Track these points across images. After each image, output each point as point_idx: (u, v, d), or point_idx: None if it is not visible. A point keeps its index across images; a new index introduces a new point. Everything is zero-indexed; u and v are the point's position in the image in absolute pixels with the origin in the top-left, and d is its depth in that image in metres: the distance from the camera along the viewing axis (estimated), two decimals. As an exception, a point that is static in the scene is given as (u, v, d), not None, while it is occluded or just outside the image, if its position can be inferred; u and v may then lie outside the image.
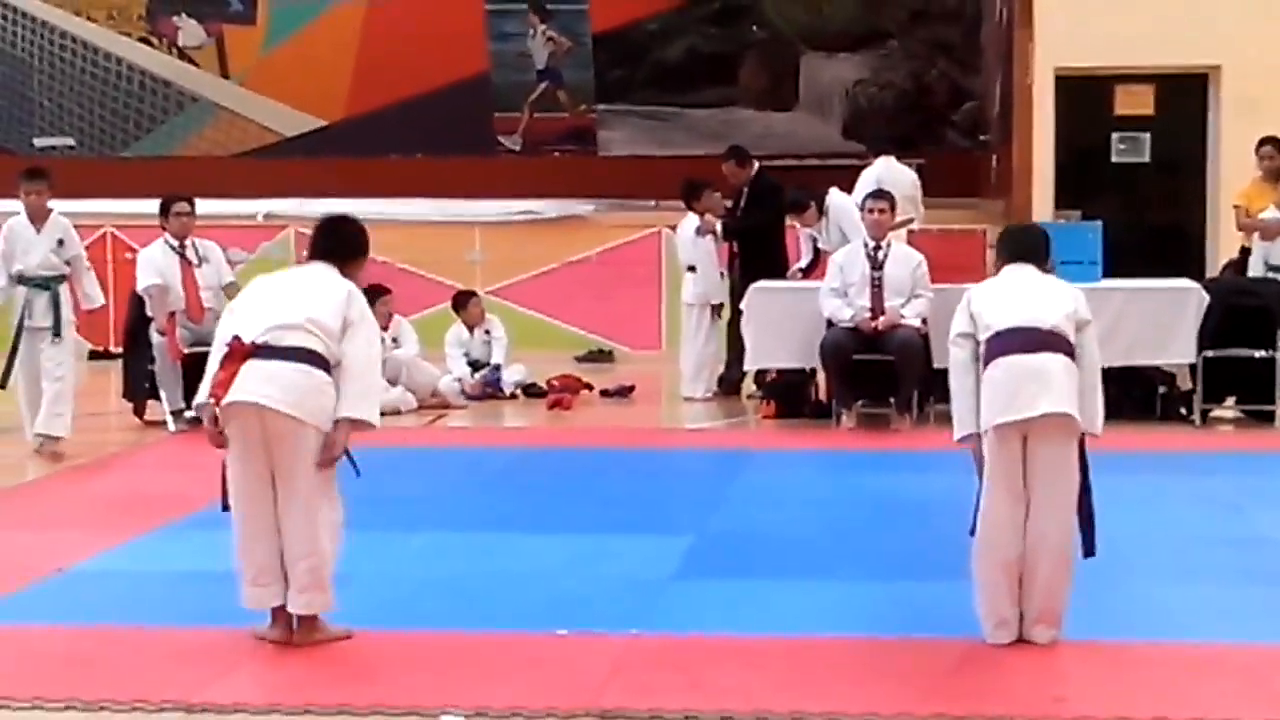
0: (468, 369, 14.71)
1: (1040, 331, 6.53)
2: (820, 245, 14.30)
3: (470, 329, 15.00)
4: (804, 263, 14.54)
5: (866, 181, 14.21)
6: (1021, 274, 6.82)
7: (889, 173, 14.69)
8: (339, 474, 6.58)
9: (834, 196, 14.34)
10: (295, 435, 6.41)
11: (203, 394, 6.57)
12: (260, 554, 6.53)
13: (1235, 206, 14.58)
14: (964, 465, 6.75)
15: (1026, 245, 7.02)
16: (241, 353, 6.45)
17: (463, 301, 15.27)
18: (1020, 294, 6.69)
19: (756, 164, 14.83)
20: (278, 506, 6.50)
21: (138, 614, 7.10)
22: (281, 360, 6.42)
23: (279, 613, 6.62)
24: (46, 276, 11.69)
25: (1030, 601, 6.55)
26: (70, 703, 5.86)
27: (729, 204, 14.83)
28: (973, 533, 6.62)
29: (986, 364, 6.57)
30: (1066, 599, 6.56)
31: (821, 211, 14.25)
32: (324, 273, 6.71)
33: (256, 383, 6.39)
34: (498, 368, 14.78)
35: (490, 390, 14.61)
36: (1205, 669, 6.28)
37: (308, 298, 6.56)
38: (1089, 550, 6.60)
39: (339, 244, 6.81)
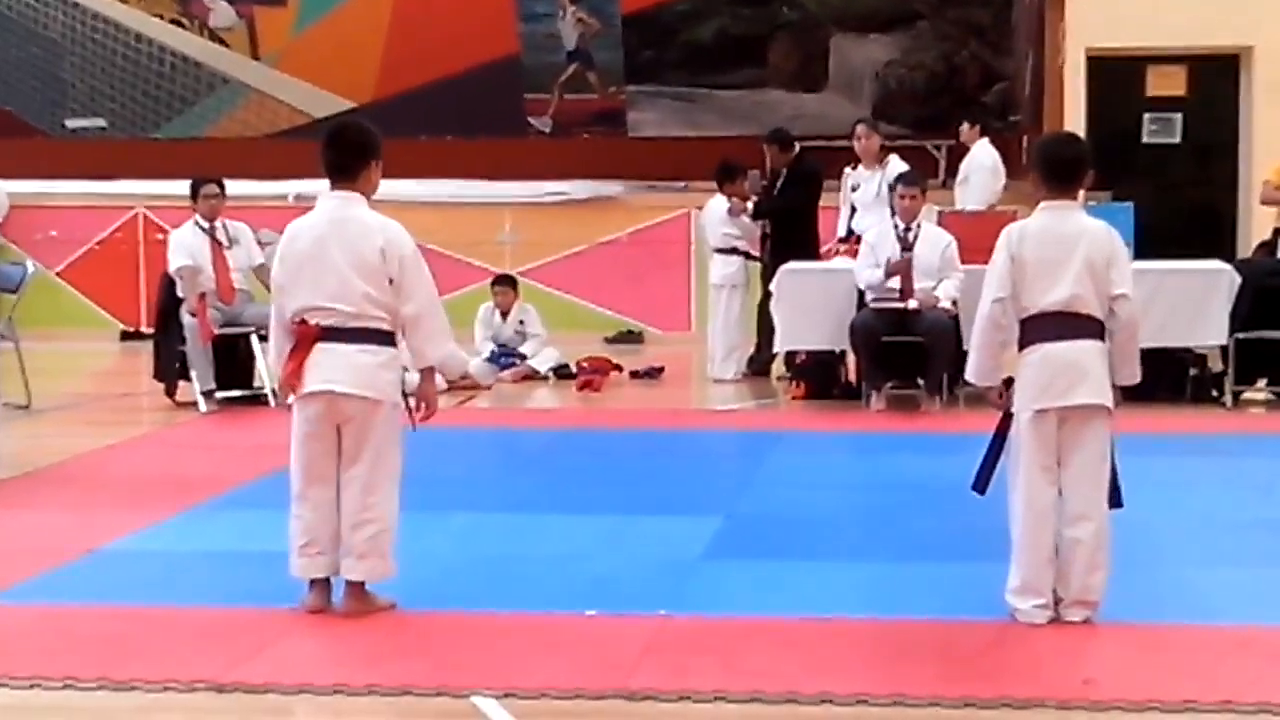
0: (492, 348, 14.68)
1: (1078, 317, 6.53)
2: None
3: (503, 315, 14.98)
4: (843, 231, 14.38)
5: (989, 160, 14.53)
6: (1062, 219, 6.64)
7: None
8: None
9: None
10: (365, 411, 6.61)
11: (275, 367, 6.87)
12: (314, 525, 6.70)
13: (1265, 182, 14.54)
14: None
15: (1068, 168, 6.76)
16: (309, 337, 6.62)
17: (496, 284, 15.24)
18: (1061, 258, 6.53)
19: (798, 147, 14.82)
20: (339, 478, 6.67)
21: (169, 594, 7.12)
22: (348, 343, 6.60)
23: (319, 583, 6.75)
24: None
25: (1067, 585, 6.56)
26: (101, 682, 5.88)
27: (765, 184, 14.82)
28: (979, 490, 6.70)
29: (1022, 346, 6.61)
30: (1104, 582, 6.56)
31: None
32: (353, 218, 6.67)
33: (327, 370, 6.60)
34: (523, 356, 14.75)
35: (519, 372, 14.60)
36: (1236, 651, 6.25)
37: (353, 269, 6.59)
38: (1115, 502, 6.63)
39: (345, 158, 6.77)
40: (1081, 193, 6.91)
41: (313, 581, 6.77)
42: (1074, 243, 6.56)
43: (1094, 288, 6.54)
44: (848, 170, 14.32)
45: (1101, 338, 6.59)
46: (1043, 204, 6.72)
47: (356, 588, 6.72)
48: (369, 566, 6.69)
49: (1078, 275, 6.52)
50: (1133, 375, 6.67)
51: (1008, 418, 6.70)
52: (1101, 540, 6.56)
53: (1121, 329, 6.60)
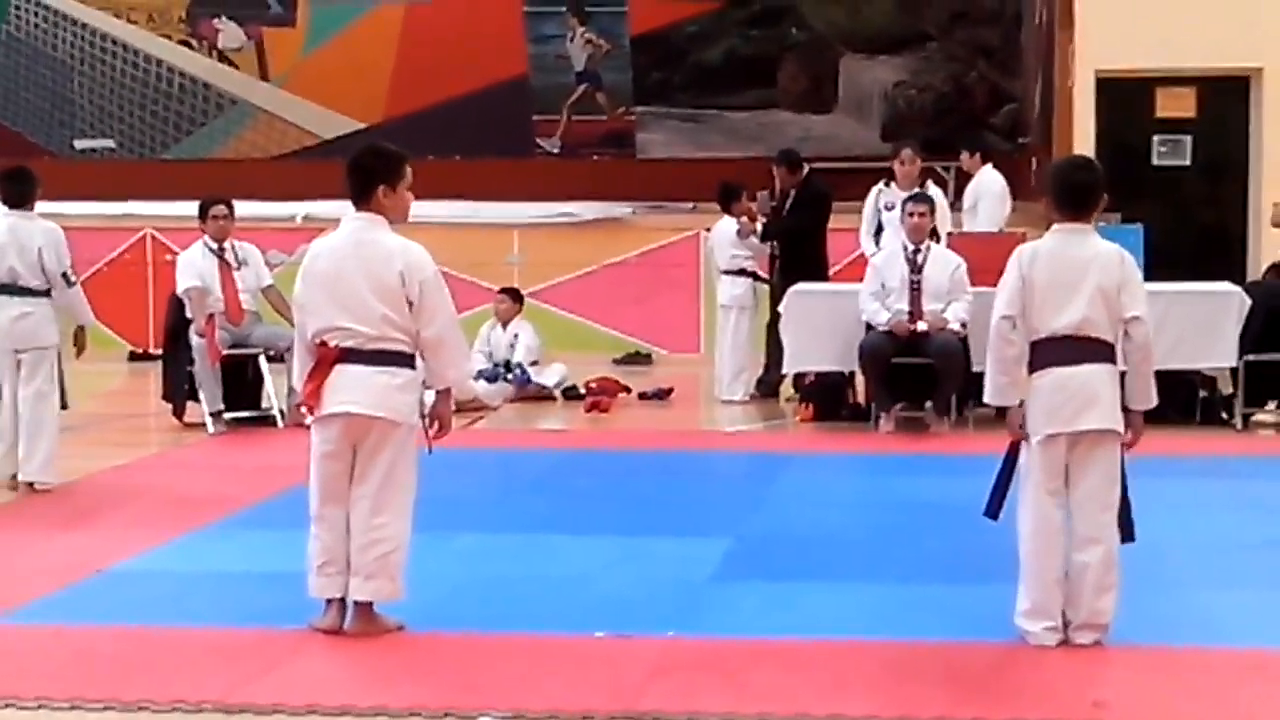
0: (485, 364, 14.63)
1: (1089, 341, 6.54)
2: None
3: (504, 324, 14.99)
4: (870, 249, 14.13)
5: (997, 186, 14.82)
6: (1074, 241, 6.64)
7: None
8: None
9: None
10: (380, 431, 6.66)
11: (297, 383, 6.93)
12: (332, 545, 6.72)
13: (1275, 205, 14.53)
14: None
15: (1081, 193, 6.74)
16: (329, 359, 6.67)
17: (501, 292, 15.31)
18: (1072, 281, 6.55)
19: (807, 168, 14.79)
20: (351, 492, 6.70)
21: (176, 614, 7.11)
22: (366, 365, 6.65)
23: (335, 602, 6.76)
24: None
25: (1076, 608, 6.55)
26: (109, 703, 5.87)
27: (774, 205, 14.80)
28: (992, 515, 6.71)
29: (1033, 370, 6.62)
30: (1113, 605, 6.55)
31: None
32: (373, 240, 6.72)
33: (345, 391, 6.64)
34: (520, 367, 14.71)
35: (521, 387, 14.57)
36: (1247, 674, 6.24)
37: (372, 292, 6.64)
38: (1127, 536, 6.62)
39: (354, 182, 6.82)
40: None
41: (328, 600, 6.77)
42: (1086, 266, 6.57)
43: (1106, 312, 6.55)
44: (880, 187, 14.23)
45: (1113, 361, 6.60)
46: (1055, 226, 6.73)
47: (365, 609, 6.72)
48: (376, 587, 6.69)
49: (1089, 299, 6.53)
50: (1148, 399, 6.68)
51: (1016, 442, 6.69)
52: (1110, 563, 6.54)
53: (1136, 351, 6.60)
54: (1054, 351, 6.55)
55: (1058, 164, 7.02)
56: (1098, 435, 6.53)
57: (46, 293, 10.20)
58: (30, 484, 10.12)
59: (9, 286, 10.13)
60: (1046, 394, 6.56)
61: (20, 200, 10.31)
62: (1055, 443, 6.55)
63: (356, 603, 6.72)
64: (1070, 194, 6.73)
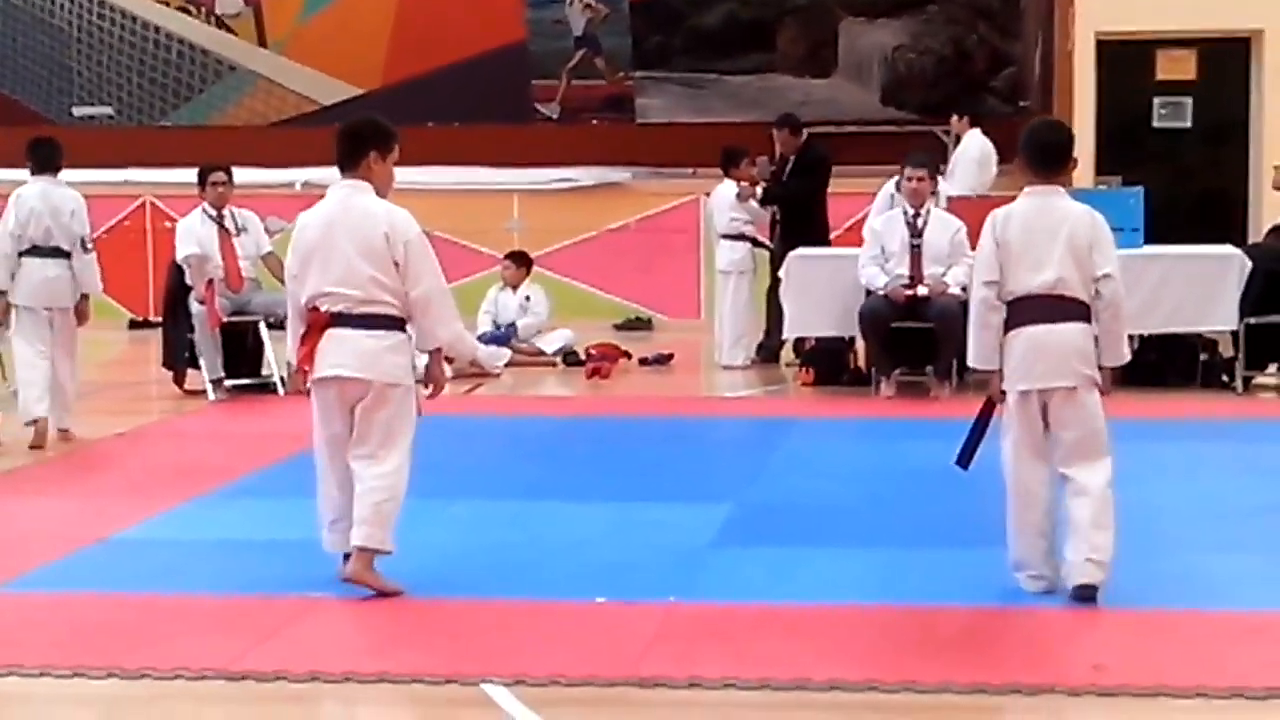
0: (488, 328, 14.64)
1: (1062, 300, 6.64)
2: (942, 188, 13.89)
3: (513, 288, 14.98)
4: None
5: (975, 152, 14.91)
6: (1046, 203, 6.74)
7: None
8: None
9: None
10: (373, 394, 6.74)
11: (291, 355, 7.08)
12: (340, 503, 6.84)
13: (1276, 167, 14.52)
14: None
15: (1054, 154, 6.90)
16: (320, 324, 6.79)
17: (508, 257, 15.29)
18: (1044, 241, 6.65)
19: (806, 133, 14.77)
20: (350, 454, 6.78)
21: (178, 582, 7.12)
22: (356, 329, 6.75)
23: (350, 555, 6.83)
24: None
25: (1077, 546, 6.62)
26: (111, 670, 5.88)
27: (774, 169, 14.78)
28: (962, 464, 6.89)
29: (1008, 329, 6.73)
30: (1111, 544, 6.60)
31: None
32: (358, 205, 6.82)
33: (336, 355, 6.76)
34: (512, 325, 14.69)
35: (506, 343, 14.54)
36: (1246, 637, 6.24)
37: (360, 254, 6.73)
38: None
39: (343, 148, 6.93)
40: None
41: (345, 555, 6.84)
42: (1057, 227, 6.69)
43: (1078, 271, 6.66)
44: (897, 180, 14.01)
45: (1086, 320, 6.70)
46: (1027, 189, 6.86)
47: (364, 556, 6.76)
48: (367, 533, 6.73)
49: (1061, 258, 6.65)
50: (1119, 356, 6.80)
51: (991, 398, 6.85)
52: (1106, 505, 6.65)
53: (1106, 308, 6.71)
54: (1028, 310, 6.67)
55: (1031, 126, 7.16)
56: (1069, 391, 6.63)
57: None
58: (65, 430, 10.71)
59: (42, 248, 10.67)
60: (1020, 351, 6.68)
61: (48, 166, 10.83)
62: (1029, 399, 6.68)
63: (357, 548, 6.76)
64: (1041, 155, 6.86)
